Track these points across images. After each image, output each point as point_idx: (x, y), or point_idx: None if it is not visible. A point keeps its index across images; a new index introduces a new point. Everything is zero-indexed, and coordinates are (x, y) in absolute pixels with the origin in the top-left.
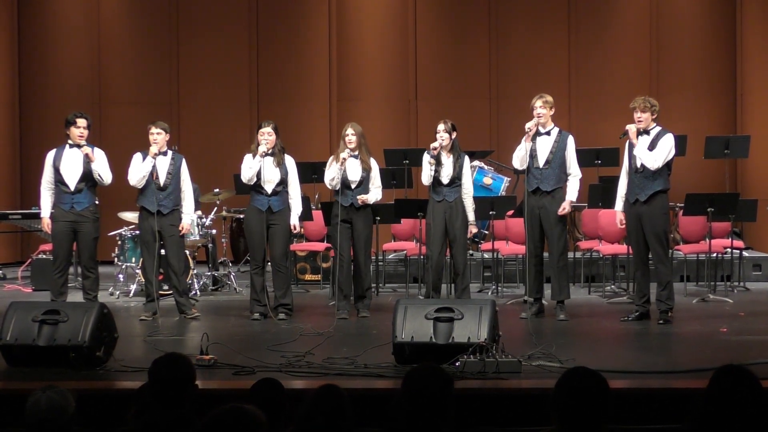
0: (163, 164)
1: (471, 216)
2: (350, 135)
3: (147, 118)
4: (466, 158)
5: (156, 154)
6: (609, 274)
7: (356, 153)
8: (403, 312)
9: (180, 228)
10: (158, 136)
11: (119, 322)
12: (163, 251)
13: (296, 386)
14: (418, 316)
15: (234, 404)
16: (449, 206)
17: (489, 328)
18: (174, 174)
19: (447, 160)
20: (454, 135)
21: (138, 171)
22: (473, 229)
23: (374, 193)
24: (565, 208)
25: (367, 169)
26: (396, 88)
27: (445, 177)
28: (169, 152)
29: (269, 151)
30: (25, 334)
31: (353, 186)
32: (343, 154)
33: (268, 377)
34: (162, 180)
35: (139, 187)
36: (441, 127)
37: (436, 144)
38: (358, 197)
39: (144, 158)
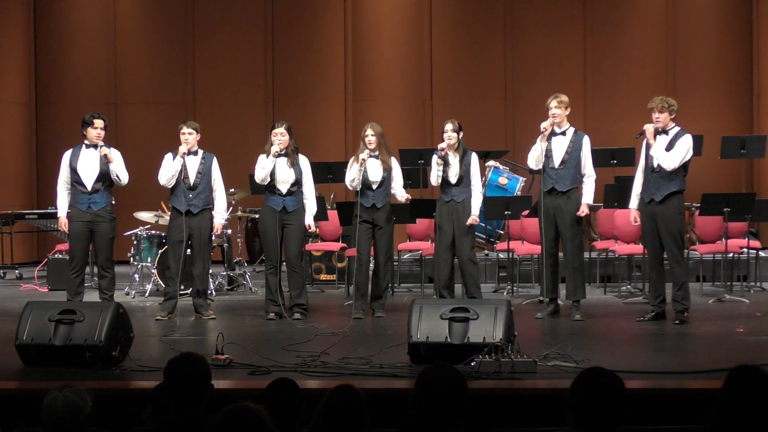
0: (193, 163)
1: (476, 210)
2: (369, 135)
3: (162, 118)
4: (473, 155)
5: (185, 153)
6: (624, 274)
7: (376, 153)
8: (418, 312)
9: (213, 228)
10: (189, 136)
11: (135, 322)
12: (189, 251)
13: (311, 386)
14: (433, 316)
15: (236, 403)
16: (457, 206)
17: (504, 328)
18: (204, 173)
19: (454, 160)
20: (461, 134)
21: (167, 170)
22: (474, 221)
23: (401, 192)
24: (583, 211)
25: (387, 170)
26: (411, 89)
27: (453, 176)
28: (200, 152)
29: (282, 152)
30: (41, 334)
31: (374, 186)
32: (363, 155)
33: (283, 377)
34: (192, 179)
35: (169, 186)
36: (449, 126)
37: (443, 144)
38: (401, 197)
39: (174, 158)
